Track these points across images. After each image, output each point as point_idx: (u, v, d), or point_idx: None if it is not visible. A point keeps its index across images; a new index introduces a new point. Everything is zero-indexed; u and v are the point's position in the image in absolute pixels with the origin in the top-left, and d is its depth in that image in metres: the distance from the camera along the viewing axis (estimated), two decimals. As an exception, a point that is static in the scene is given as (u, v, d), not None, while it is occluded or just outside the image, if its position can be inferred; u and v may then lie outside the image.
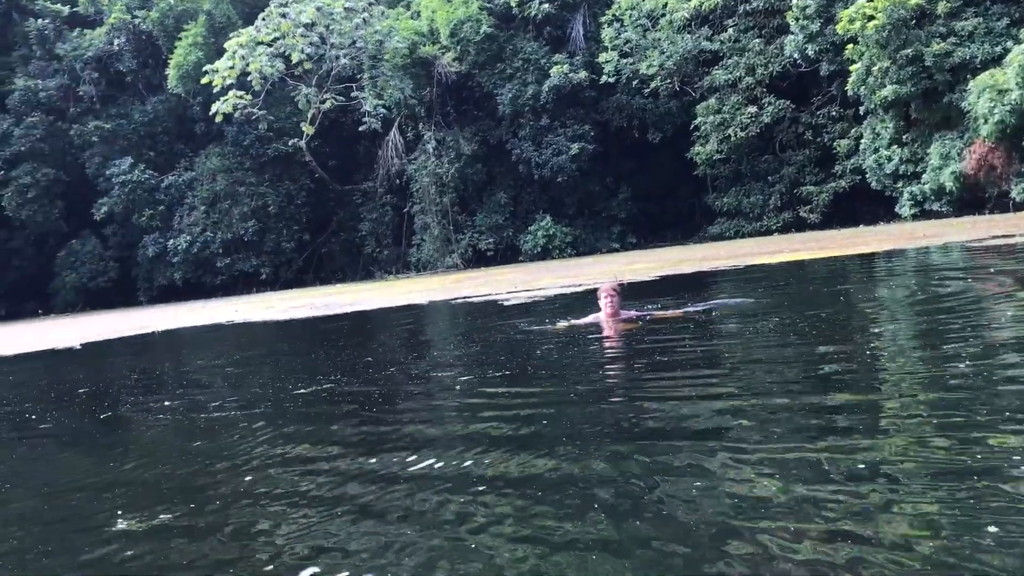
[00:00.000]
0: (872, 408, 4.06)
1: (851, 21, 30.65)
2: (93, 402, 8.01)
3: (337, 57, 43.35)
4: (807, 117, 37.42)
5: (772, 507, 2.86)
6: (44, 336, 22.61)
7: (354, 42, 43.23)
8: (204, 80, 42.21)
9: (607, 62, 39.54)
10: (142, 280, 49.02)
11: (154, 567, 3.01)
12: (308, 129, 43.64)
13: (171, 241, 46.53)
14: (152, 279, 48.43)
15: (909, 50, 29.67)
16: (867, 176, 33.63)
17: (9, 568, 3.22)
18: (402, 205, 46.66)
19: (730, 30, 38.75)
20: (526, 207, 43.70)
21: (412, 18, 45.07)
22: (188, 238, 46.36)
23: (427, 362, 8.30)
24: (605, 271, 21.36)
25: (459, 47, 42.15)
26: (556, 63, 40.51)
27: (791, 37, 35.11)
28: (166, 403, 7.37)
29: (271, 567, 2.89)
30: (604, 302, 8.94)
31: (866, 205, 35.07)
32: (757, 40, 37.94)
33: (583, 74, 40.08)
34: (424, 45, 42.87)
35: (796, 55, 35.18)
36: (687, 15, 38.81)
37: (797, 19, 34.34)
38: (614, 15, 40.28)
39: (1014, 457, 3.05)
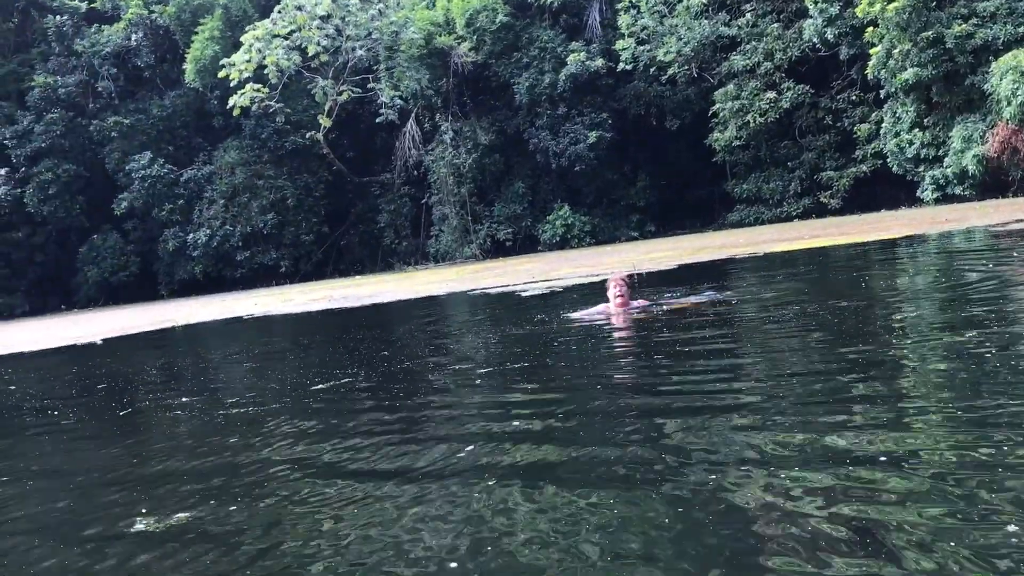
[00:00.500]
0: (894, 398, 4.00)
1: (871, 3, 30.26)
2: (113, 398, 8.05)
3: (353, 49, 43.32)
4: (827, 102, 37.02)
5: (793, 496, 2.81)
6: (66, 331, 22.80)
7: (370, 33, 43.16)
8: (221, 74, 42.30)
9: (624, 49, 39.26)
10: (163, 274, 49.33)
11: (170, 570, 3.00)
12: (325, 121, 43.68)
13: (191, 235, 46.78)
14: (173, 273, 48.73)
15: (930, 32, 29.26)
16: (888, 160, 33.24)
17: (22, 566, 3.22)
18: (420, 196, 46.66)
19: (748, 15, 38.38)
20: (544, 196, 43.56)
21: (428, 8, 44.91)
22: (208, 232, 46.58)
23: (445, 355, 8.29)
24: (623, 260, 21.28)
25: (475, 37, 42.00)
26: (573, 51, 40.29)
27: (810, 21, 34.71)
28: (184, 399, 7.40)
29: (294, 567, 2.87)
30: (613, 292, 8.94)
31: (887, 190, 34.68)
32: (775, 24, 37.55)
33: (600, 62, 39.84)
34: (440, 35, 42.74)
35: (815, 39, 34.77)
36: (704, 1, 38.46)
37: (816, 2, 33.92)
38: (631, 2, 39.94)
39: (1040, 451, 2.99)
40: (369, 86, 43.59)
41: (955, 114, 30.28)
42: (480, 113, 44.34)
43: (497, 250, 43.13)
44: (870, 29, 31.27)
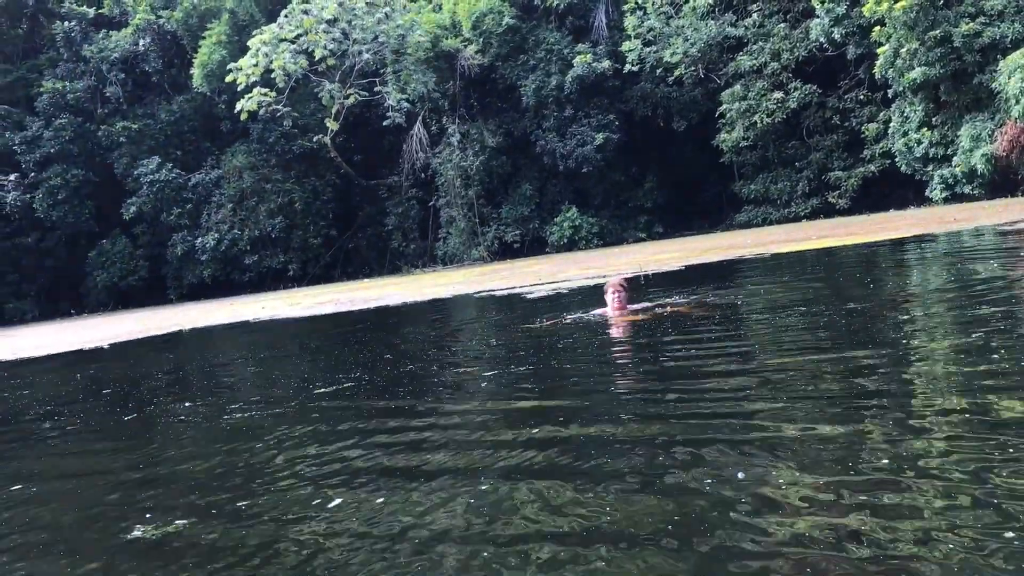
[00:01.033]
0: (901, 400, 3.95)
1: (878, 3, 30.17)
2: (118, 403, 8.05)
3: (360, 52, 43.38)
4: (834, 101, 36.92)
5: (796, 501, 2.77)
6: (75, 336, 22.87)
7: (376, 37, 43.22)
8: (228, 78, 42.42)
9: (630, 51, 39.23)
10: (171, 278, 49.48)
11: None
12: (332, 125, 43.77)
13: (199, 239, 46.92)
14: (181, 277, 48.87)
15: (937, 31, 29.15)
16: (896, 160, 33.11)
17: (19, 571, 3.21)
18: (428, 199, 46.70)
19: (754, 15, 38.32)
20: (552, 198, 43.54)
21: (434, 11, 44.99)
22: (216, 236, 46.71)
23: (450, 358, 8.26)
24: (630, 261, 21.23)
25: (481, 39, 42.05)
26: (579, 53, 40.28)
27: (816, 21, 34.62)
28: (189, 404, 7.39)
29: (297, 574, 2.85)
30: (611, 297, 8.93)
31: (896, 189, 34.57)
32: (782, 25, 37.48)
33: (606, 63, 39.82)
34: (446, 38, 42.81)
35: (822, 39, 34.67)
36: (710, 1, 38.39)
37: (823, 2, 33.84)
38: (637, 3, 39.91)
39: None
40: (376, 89, 43.65)
41: (963, 113, 30.15)
42: (487, 115, 44.36)
43: (505, 252, 43.13)
44: (877, 28, 31.17)
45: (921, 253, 13.37)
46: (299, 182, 47.45)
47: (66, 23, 50.05)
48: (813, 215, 36.28)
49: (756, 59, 37.43)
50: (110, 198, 48.86)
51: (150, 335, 19.37)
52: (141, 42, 49.42)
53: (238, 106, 42.26)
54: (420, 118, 45.13)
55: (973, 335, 5.28)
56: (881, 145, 34.66)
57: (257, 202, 47.07)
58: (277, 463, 4.43)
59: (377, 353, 9.24)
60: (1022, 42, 27.72)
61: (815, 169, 37.31)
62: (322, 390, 6.89)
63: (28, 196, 47.28)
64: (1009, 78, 26.95)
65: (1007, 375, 4.08)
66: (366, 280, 40.97)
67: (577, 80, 39.76)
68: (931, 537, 2.42)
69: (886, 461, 3.08)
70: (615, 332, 8.16)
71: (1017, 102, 26.58)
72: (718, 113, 38.65)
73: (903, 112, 32.40)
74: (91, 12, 51.42)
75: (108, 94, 49.57)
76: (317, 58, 42.58)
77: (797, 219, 36.46)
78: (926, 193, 31.78)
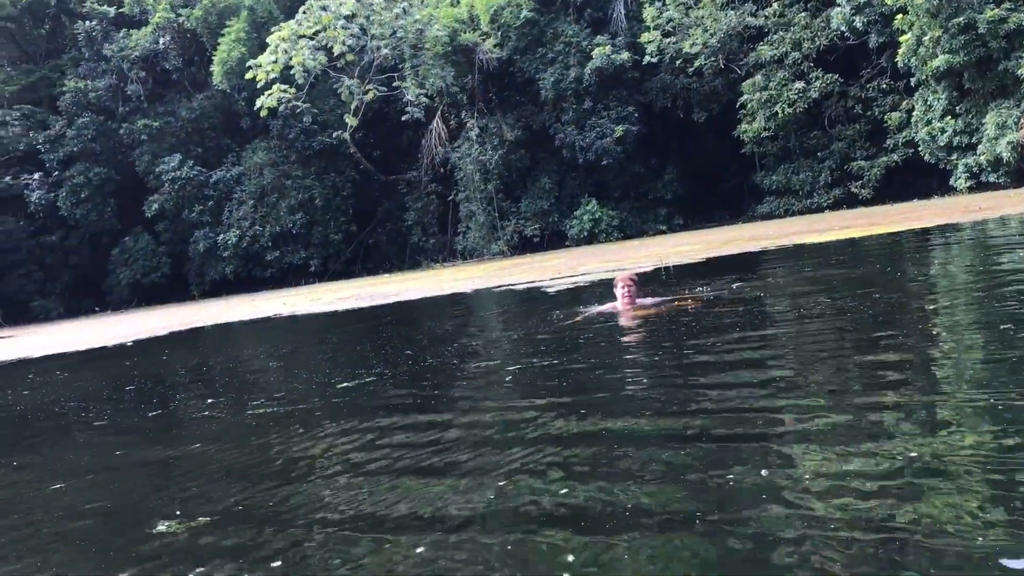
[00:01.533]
0: (926, 396, 3.89)
1: (900, -10, 29.85)
2: (143, 399, 8.11)
3: (378, 48, 43.41)
4: (856, 91, 36.54)
5: (819, 497, 2.74)
6: (99, 333, 23.08)
7: (394, 32, 43.22)
8: (248, 75, 42.58)
9: (649, 42, 38.98)
10: (194, 275, 49.82)
11: (191, 572, 2.99)
12: (352, 121, 43.84)
13: (221, 236, 47.19)
14: (204, 274, 49.19)
15: (961, 18, 28.76)
16: (920, 149, 32.73)
17: (44, 564, 3.23)
18: (447, 193, 46.70)
19: (775, 4, 37.95)
20: (571, 192, 43.40)
21: (452, 5, 44.88)
22: (237, 232, 46.97)
23: (469, 353, 8.25)
24: (650, 254, 21.13)
25: (500, 33, 41.94)
26: (598, 45, 40.07)
27: (838, 9, 34.24)
28: (212, 400, 7.43)
29: (319, 568, 2.85)
30: (621, 292, 8.90)
31: (919, 179, 34.19)
32: (803, 14, 37.11)
33: (625, 55, 39.61)
34: (464, 32, 42.71)
35: (843, 27, 34.29)
36: (730, -9, 38.11)
37: (844, -10, 33.51)
38: (655, -6, 39.68)
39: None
40: (395, 84, 43.66)
41: (988, 100, 29.75)
42: (506, 109, 44.27)
43: (524, 246, 43.06)
44: (899, 16, 30.81)
45: (946, 243, 13.21)
46: (319, 178, 47.61)
47: (87, 23, 50.43)
48: (836, 205, 35.96)
49: (777, 49, 37.09)
50: (132, 196, 49.24)
51: (173, 331, 19.52)
52: (161, 40, 49.70)
53: (258, 103, 42.43)
54: (439, 113, 45.11)
55: (1001, 327, 5.20)
56: (904, 134, 34.27)
57: (278, 198, 47.29)
58: (301, 458, 4.44)
59: (398, 348, 9.25)
60: (1048, 28, 27.32)
61: (837, 159, 36.96)
62: (344, 385, 6.91)
63: (52, 195, 47.72)
64: (1035, 64, 26.57)
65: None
66: (386, 275, 41.07)
67: (596, 72, 39.58)
68: (960, 527, 2.38)
69: (913, 454, 3.04)
70: (626, 327, 8.12)
71: (1043, 89, 26.21)
72: (739, 104, 38.37)
73: (926, 100, 32.02)
74: (112, 11, 51.75)
75: (129, 92, 49.92)
76: (336, 54, 42.66)
77: (819, 210, 36.15)
78: (950, 182, 31.41)
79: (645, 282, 13.54)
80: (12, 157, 48.60)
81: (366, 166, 48.14)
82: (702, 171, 43.58)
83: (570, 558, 2.59)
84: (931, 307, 6.65)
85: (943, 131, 30.90)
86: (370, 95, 43.67)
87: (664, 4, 39.31)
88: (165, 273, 49.54)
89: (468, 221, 45.09)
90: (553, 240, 42.90)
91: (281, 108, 42.98)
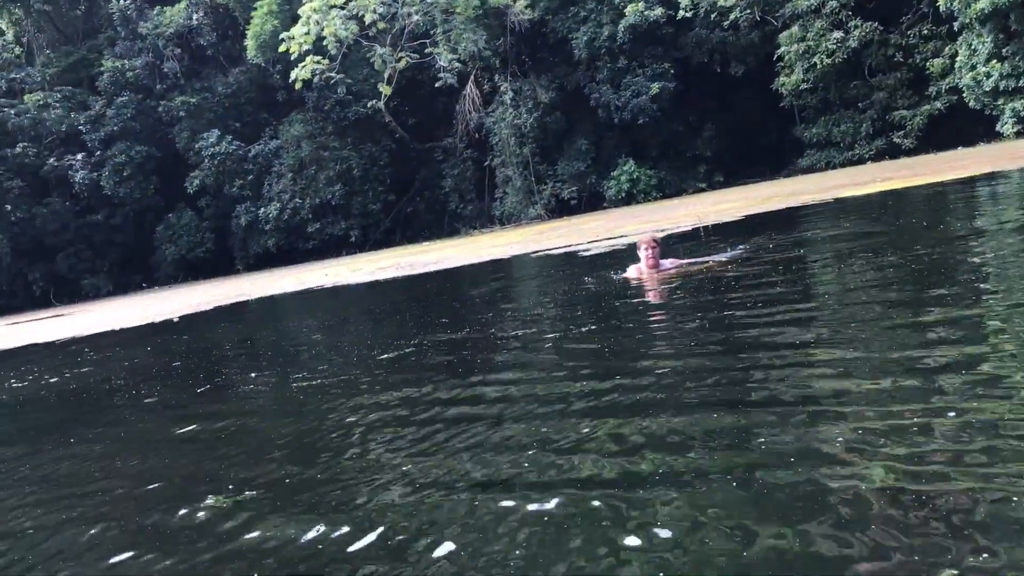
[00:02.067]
0: (975, 356, 3.83)
1: (942, -69, 28.94)
2: (190, 374, 8.30)
3: (409, 15, 43.21)
4: (897, 38, 35.64)
5: (871, 461, 2.74)
6: (147, 309, 23.56)
7: (425, -3, 43.01)
8: (281, 48, 42.71)
9: (684, -4, 38.33)
10: (238, 249, 50.50)
11: (238, 551, 3.08)
12: (386, 90, 43.82)
13: (262, 210, 47.71)
14: (247, 247, 49.84)
15: (1007, -43, 27.86)
16: (964, 95, 31.93)
17: (90, 538, 3.35)
18: (483, 159, 46.63)
19: (811, -48, 37.04)
20: (608, 152, 43.07)
21: (482, -32, 44.46)
22: (278, 206, 47.44)
23: (509, 319, 8.30)
24: (689, 213, 20.96)
25: (531, -7, 41.49)
26: (631, 2, 39.50)
27: (877, -46, 33.37)
28: (256, 374, 7.58)
29: (369, 549, 2.92)
30: (644, 254, 8.86)
31: (964, 126, 33.36)
32: (841, -40, 36.18)
33: (659, 10, 38.99)
34: (496, -6, 42.32)
35: (883, -27, 33.43)
36: (765, -60, 37.23)
37: (883, -66, 32.57)
38: (689, -53, 38.90)
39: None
40: (427, 51, 43.52)
41: (1036, 42, 28.86)
42: (539, 71, 43.92)
43: (562, 209, 42.93)
44: (942, -42, 29.92)
45: (993, 192, 12.92)
46: (356, 149, 47.78)
47: (122, 2, 50.85)
48: (878, 157, 35.29)
49: (814, -2, 36.25)
50: (174, 172, 49.90)
51: (218, 305, 19.85)
52: (195, 16, 49.97)
53: (292, 75, 42.59)
54: (472, 77, 44.90)
55: (1045, 278, 5.10)
56: (948, 81, 33.43)
57: (316, 170, 47.59)
58: (345, 431, 4.52)
59: (436, 318, 9.33)
60: (1098, -37, 26.35)
61: (879, 109, 36.20)
62: (385, 356, 7.00)
63: (95, 174, 48.52)
64: (1085, 2, 25.67)
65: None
66: (426, 243, 41.25)
67: (630, 30, 39.05)
68: (1005, 500, 2.37)
69: (958, 422, 3.02)
70: (653, 289, 8.12)
71: (1094, 28, 25.34)
72: (776, 56, 37.66)
73: (970, 45, 31.15)
74: (145, -11, 52.15)
75: (166, 70, 50.38)
76: (367, 23, 42.54)
77: (861, 161, 35.50)
78: (997, 128, 30.63)
79: (684, 240, 13.47)
80: (55, 139, 49.46)
81: (402, 135, 48.17)
82: (741, 126, 42.96)
83: (622, 518, 2.64)
84: (976, 261, 6.53)
85: (988, 75, 30.08)
86: (403, 63, 43.56)
87: (698, -43, 38.54)
88: (209, 248, 50.27)
89: (505, 186, 45.01)
90: (591, 202, 42.69)
91: (315, 80, 43.08)
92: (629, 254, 12.80)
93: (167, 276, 50.61)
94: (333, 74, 43.39)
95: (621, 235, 17.72)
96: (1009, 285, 5.29)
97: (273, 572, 2.78)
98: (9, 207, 47.88)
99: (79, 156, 48.74)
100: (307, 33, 42.05)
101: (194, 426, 5.46)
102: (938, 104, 34.05)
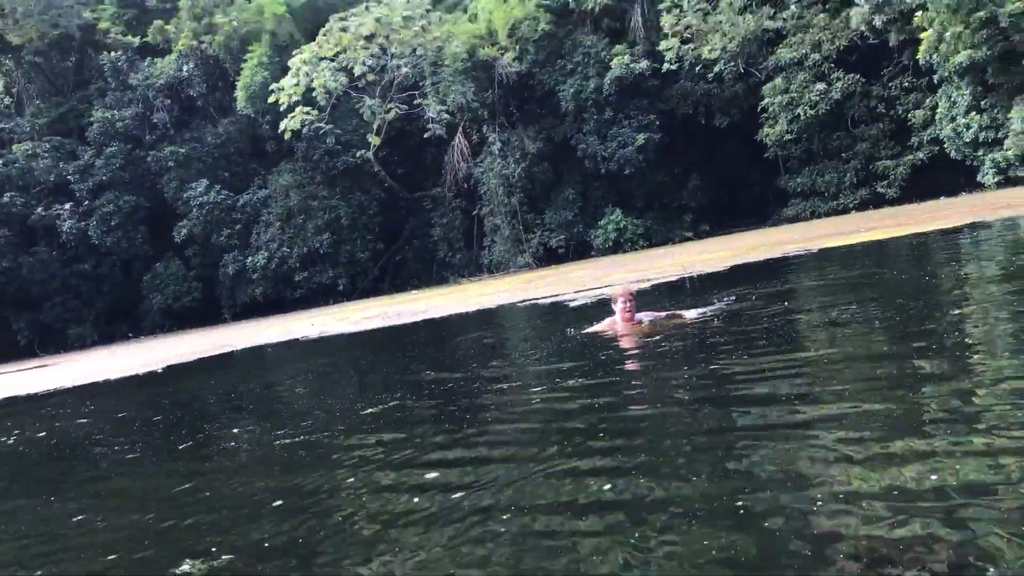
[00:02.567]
0: (961, 409, 3.84)
1: (919, -13, 29.60)
2: (172, 428, 8.21)
3: (398, 66, 43.78)
4: (879, 90, 36.26)
5: (855, 513, 2.72)
6: (132, 360, 23.38)
7: (414, 50, 43.60)
8: (271, 99, 43.12)
9: (668, 49, 38.96)
10: (225, 298, 50.32)
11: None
12: (375, 140, 44.19)
13: (250, 258, 47.68)
14: (234, 296, 49.69)
15: (982, 13, 28.48)
16: (945, 146, 32.42)
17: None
18: (471, 208, 46.88)
19: (792, 6, 37.79)
20: (595, 202, 43.40)
21: (470, 21, 45.19)
22: (266, 254, 47.43)
23: (494, 373, 8.27)
24: (675, 263, 21.06)
25: (518, 46, 42.10)
26: (616, 54, 40.12)
27: (856, 9, 34.05)
28: (238, 430, 7.51)
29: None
30: (620, 307, 8.80)
31: (946, 176, 33.77)
32: (821, 15, 36.90)
33: (644, 63, 39.61)
34: (483, 47, 42.92)
35: (863, 27, 34.08)
36: (748, -5, 38.00)
37: (862, -11, 33.30)
38: (673, 1, 39.66)
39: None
40: (416, 102, 43.99)
41: (1013, 94, 29.42)
42: (527, 122, 44.40)
43: (550, 258, 43.09)
44: (919, 13, 30.56)
45: (975, 241, 13.05)
46: (344, 198, 47.95)
47: (113, 53, 51.30)
48: (862, 206, 35.66)
49: (796, 51, 36.91)
50: (162, 222, 49.90)
51: (203, 356, 19.72)
52: (185, 68, 50.44)
53: (282, 125, 42.94)
54: (460, 128, 45.35)
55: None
56: (929, 131, 33.96)
57: (304, 219, 47.69)
58: (327, 493, 4.47)
59: (421, 370, 9.29)
60: (1072, 19, 26.96)
61: (862, 159, 36.68)
62: (369, 411, 6.95)
63: (83, 224, 48.45)
64: (1060, 57, 26.22)
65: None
66: (414, 292, 41.25)
67: (616, 82, 39.61)
68: (993, 548, 2.36)
69: (947, 470, 3.01)
70: (632, 344, 8.09)
71: (1069, 81, 25.85)
72: (760, 107, 38.22)
73: (950, 97, 31.72)
74: (136, 41, 52.67)
75: (156, 120, 50.67)
76: (357, 74, 43.05)
77: (846, 211, 35.86)
78: (978, 178, 31.06)
79: (670, 292, 13.52)
80: (43, 188, 49.48)
81: (391, 184, 48.43)
82: (726, 176, 43.41)
83: (604, 549, 2.60)
84: (959, 312, 6.57)
85: (968, 127, 30.58)
86: (392, 113, 44.00)
87: (682, 11, 39.28)
88: (196, 297, 50.07)
89: (493, 235, 45.21)
90: (578, 251, 42.88)
91: (305, 130, 43.41)
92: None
93: (153, 325, 50.32)
94: (322, 124, 43.76)
95: (608, 284, 17.77)
96: (992, 338, 5.32)
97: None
98: (-5, 257, 47.72)
99: (67, 206, 48.70)
100: (297, 84, 42.52)
101: (174, 484, 5.38)
102: (920, 154, 34.53)
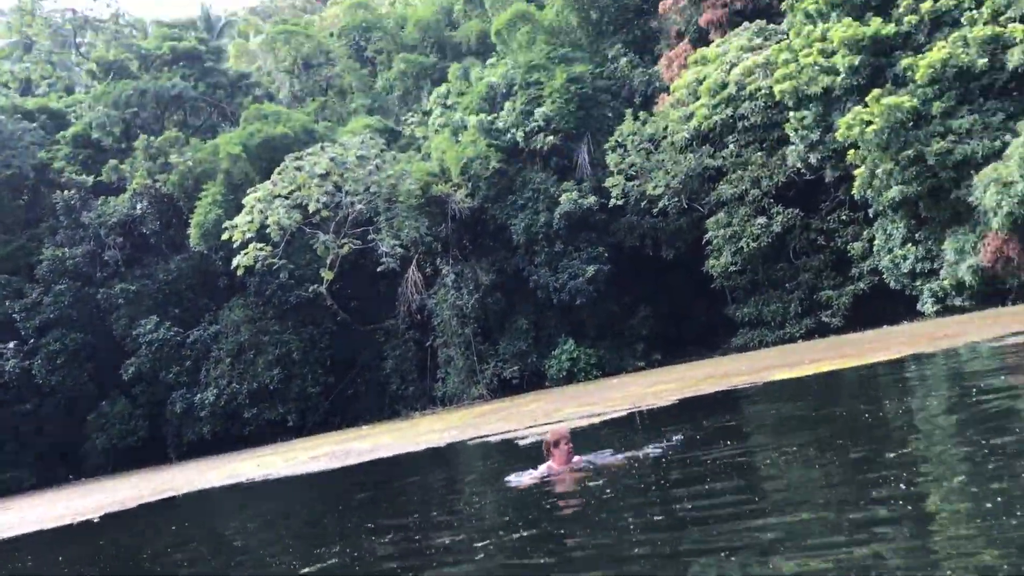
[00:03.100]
0: (919, 552, 3.83)
1: (849, 128, 31.06)
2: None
3: (352, 203, 44.42)
4: (818, 223, 37.53)
5: None
6: (68, 506, 22.46)
7: (368, 188, 44.35)
8: (224, 236, 43.24)
9: (614, 186, 40.18)
10: (172, 436, 48.92)
11: None
12: (327, 275, 44.31)
13: (198, 396, 46.70)
14: (181, 435, 48.34)
15: (910, 151, 29.93)
16: (885, 277, 33.41)
17: None
18: (424, 340, 46.78)
19: (731, 146, 39.35)
20: (548, 332, 43.64)
21: (423, 160, 46.36)
22: (215, 391, 46.53)
23: (436, 524, 8.09)
24: (626, 396, 21.09)
25: (470, 183, 43.14)
26: (565, 191, 41.25)
27: (792, 147, 35.60)
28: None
29: None
30: (558, 451, 8.57)
31: (888, 304, 34.63)
32: (759, 153, 38.45)
33: (592, 199, 40.73)
34: (436, 184, 43.87)
35: (799, 164, 35.57)
36: (687, 135, 39.59)
37: (796, 130, 34.89)
38: (617, 141, 41.21)
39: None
40: (370, 237, 44.49)
41: (945, 227, 30.65)
42: (480, 255, 45.03)
43: (504, 388, 42.88)
44: (852, 151, 32.00)
45: (920, 373, 13.32)
46: (296, 332, 47.61)
47: (66, 192, 51.38)
48: (808, 335, 36.29)
49: (737, 187, 38.26)
50: (109, 360, 48.88)
51: (144, 502, 19.03)
52: (139, 206, 50.62)
53: (234, 262, 42.96)
54: (414, 261, 45.76)
55: (988, 466, 5.19)
56: (868, 263, 35.03)
57: (255, 354, 47.12)
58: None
59: (365, 519, 9.07)
60: (992, 157, 28.42)
61: (805, 289, 37.56)
62: (307, 570, 6.73)
63: (27, 363, 47.33)
64: (985, 192, 27.52)
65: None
66: (365, 427, 40.60)
67: (565, 216, 40.58)
68: None
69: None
70: (571, 491, 7.93)
71: (995, 214, 27.06)
72: (705, 240, 39.25)
73: (886, 230, 32.94)
74: (90, 180, 52.85)
75: (107, 258, 50.39)
76: (311, 211, 43.54)
77: (793, 340, 36.46)
78: (918, 307, 31.93)
79: (619, 428, 13.50)
80: (-13, 327, 48.52)
81: (343, 317, 48.31)
82: (675, 306, 44.07)
83: None
84: (908, 450, 6.64)
85: (905, 258, 31.68)
86: (345, 248, 44.31)
87: (626, 150, 40.78)
88: (142, 436, 48.55)
89: (447, 366, 45.02)
90: (532, 380, 42.77)
91: (257, 266, 43.43)
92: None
93: (96, 467, 48.54)
94: (275, 260, 43.86)
95: (560, 419, 17.70)
96: (942, 471, 5.38)
97: None
98: (-68, 398, 46.22)
99: (11, 344, 47.65)
100: (251, 222, 42.82)
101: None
102: (861, 284, 35.48)
